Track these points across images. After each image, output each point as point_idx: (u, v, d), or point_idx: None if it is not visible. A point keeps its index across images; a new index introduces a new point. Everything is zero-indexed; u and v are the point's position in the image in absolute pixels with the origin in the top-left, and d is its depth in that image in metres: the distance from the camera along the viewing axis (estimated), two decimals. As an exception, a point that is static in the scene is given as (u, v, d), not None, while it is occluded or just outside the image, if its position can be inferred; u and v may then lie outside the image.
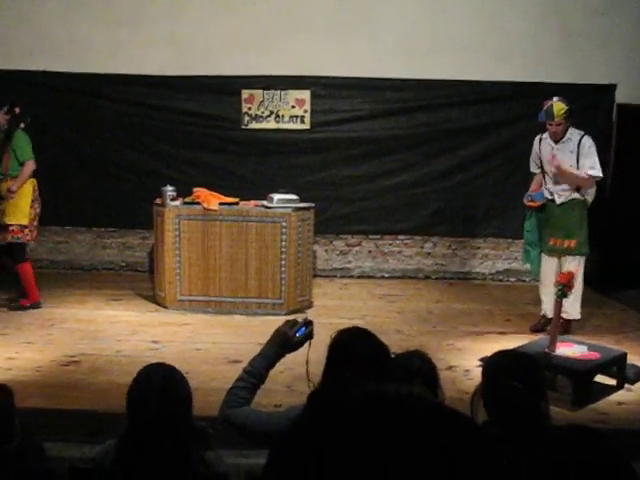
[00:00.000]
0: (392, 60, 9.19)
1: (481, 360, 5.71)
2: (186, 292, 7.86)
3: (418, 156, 9.41)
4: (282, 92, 9.38)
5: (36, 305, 7.77)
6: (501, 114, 9.31)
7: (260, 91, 9.38)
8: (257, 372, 3.14)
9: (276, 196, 7.85)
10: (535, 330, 7.27)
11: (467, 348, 6.78)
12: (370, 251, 9.70)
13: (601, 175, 7.09)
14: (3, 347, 6.63)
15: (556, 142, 7.08)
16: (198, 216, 7.80)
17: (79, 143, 9.35)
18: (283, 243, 7.69)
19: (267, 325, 7.23)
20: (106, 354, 6.54)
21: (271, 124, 9.44)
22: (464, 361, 6.36)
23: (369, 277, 9.65)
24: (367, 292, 8.94)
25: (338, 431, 0.99)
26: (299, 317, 3.29)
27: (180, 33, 9.31)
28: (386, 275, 9.67)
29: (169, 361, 3.31)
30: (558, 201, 7.14)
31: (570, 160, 7.05)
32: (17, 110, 7.59)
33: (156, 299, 8.15)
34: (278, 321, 7.42)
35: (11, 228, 7.58)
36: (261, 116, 9.41)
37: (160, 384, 2.86)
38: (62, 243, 9.69)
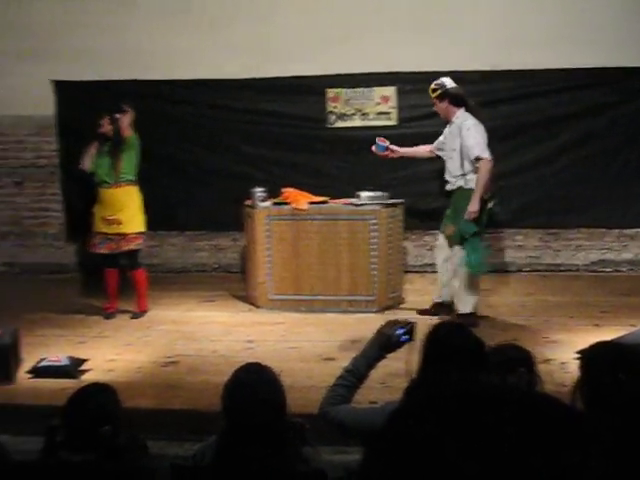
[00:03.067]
0: (477, 52, 9.08)
1: (579, 353, 5.61)
2: (278, 291, 7.95)
3: (507, 148, 9.28)
4: (367, 89, 9.38)
5: (144, 313, 7.94)
6: (594, 101, 9.12)
7: (345, 89, 9.40)
8: (357, 371, 3.17)
9: (364, 193, 7.86)
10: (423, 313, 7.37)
11: (563, 341, 6.67)
12: (460, 245, 9.62)
13: (483, 155, 7.01)
14: (104, 349, 6.83)
15: (447, 125, 7.32)
16: (288, 216, 7.88)
17: (169, 149, 9.53)
18: (373, 240, 7.70)
19: (359, 322, 7.36)
20: (202, 354, 6.66)
21: (357, 122, 9.46)
22: (560, 354, 6.26)
23: (460, 272, 9.55)
24: (458, 287, 8.86)
25: (436, 423, 1.00)
26: (398, 316, 3.31)
27: (263, 35, 9.40)
28: (477, 269, 9.56)
29: (263, 360, 3.37)
30: (447, 187, 7.34)
31: (454, 144, 7.13)
32: (118, 116, 7.72)
33: (248, 299, 8.26)
34: (370, 318, 7.50)
35: (131, 236, 7.75)
36: (346, 114, 9.44)
37: (254, 383, 2.91)
38: (155, 247, 9.89)
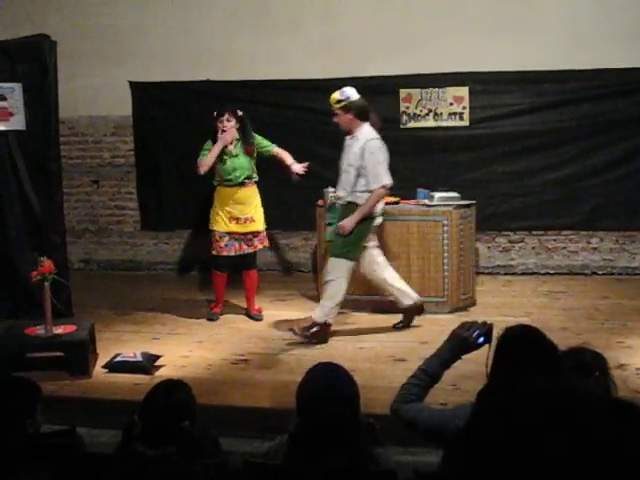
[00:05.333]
0: (552, 51, 8.95)
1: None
2: (349, 291, 7.94)
3: (581, 149, 9.15)
4: (440, 90, 9.34)
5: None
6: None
7: (418, 90, 9.37)
8: (431, 371, 3.17)
9: (437, 194, 7.84)
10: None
11: (638, 346, 6.55)
12: (534, 247, 9.51)
13: (387, 183, 6.92)
14: (177, 346, 6.94)
15: (348, 135, 7.03)
16: (359, 216, 7.88)
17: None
18: (445, 241, 7.67)
19: (430, 324, 7.34)
20: (273, 353, 6.73)
21: (429, 122, 9.42)
22: (635, 359, 6.16)
23: (533, 274, 9.45)
24: (531, 289, 8.77)
25: (511, 426, 1.00)
26: (472, 318, 3.29)
27: (338, 36, 9.43)
28: (551, 272, 9.45)
29: (334, 359, 3.39)
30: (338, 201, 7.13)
31: (353, 159, 6.87)
32: (240, 113, 7.76)
33: (320, 298, 8.27)
34: (441, 320, 7.45)
35: (263, 235, 7.83)
36: (419, 115, 9.40)
37: (329, 382, 2.92)
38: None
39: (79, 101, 9.80)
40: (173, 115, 9.86)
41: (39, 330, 6.41)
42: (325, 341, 6.96)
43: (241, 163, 7.69)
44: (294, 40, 9.51)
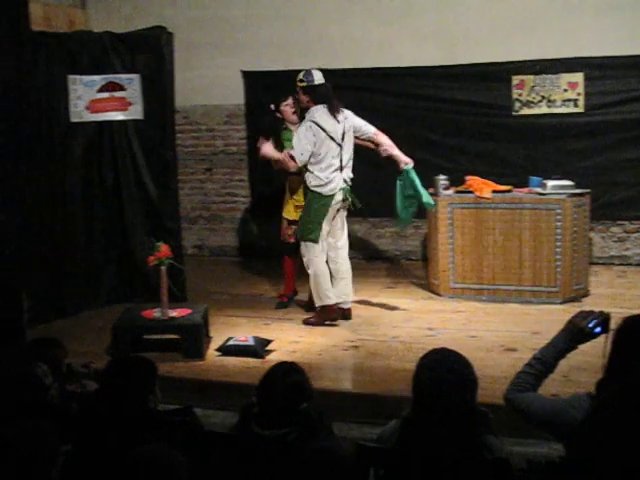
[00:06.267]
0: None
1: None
2: (459, 280, 7.92)
3: None
4: (554, 76, 9.15)
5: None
6: None
7: (531, 76, 9.20)
8: (546, 361, 3.14)
9: (550, 182, 7.71)
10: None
11: None
12: (650, 237, 9.26)
13: (298, 159, 6.94)
14: (288, 331, 7.05)
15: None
16: (471, 204, 7.83)
17: (353, 136, 9.64)
18: (558, 230, 7.54)
19: (541, 313, 7.24)
20: (383, 340, 6.75)
21: (543, 109, 9.25)
22: None
23: (649, 264, 9.20)
24: (646, 280, 8.55)
25: (631, 418, 1.00)
26: (587, 308, 3.23)
27: (448, 23, 9.36)
28: (668, 262, 9.18)
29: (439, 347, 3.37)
30: None
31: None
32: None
33: (430, 287, 8.27)
34: (553, 310, 7.33)
35: None
36: (532, 102, 9.24)
37: (451, 367, 2.92)
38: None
39: (194, 91, 10.02)
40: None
41: (155, 313, 6.60)
42: (334, 320, 7.13)
43: None
44: (405, 27, 9.48)
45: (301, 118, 7.35)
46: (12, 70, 6.71)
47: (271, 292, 8.37)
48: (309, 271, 7.16)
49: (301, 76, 7.12)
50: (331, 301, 7.15)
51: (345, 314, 7.34)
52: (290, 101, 7.61)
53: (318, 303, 7.17)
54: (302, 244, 7.18)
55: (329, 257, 7.28)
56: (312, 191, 7.10)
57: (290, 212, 7.69)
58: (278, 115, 7.70)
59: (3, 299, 6.28)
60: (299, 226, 7.24)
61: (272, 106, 7.74)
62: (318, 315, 7.18)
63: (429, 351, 3.07)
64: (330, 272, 7.26)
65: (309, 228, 7.09)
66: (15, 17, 6.86)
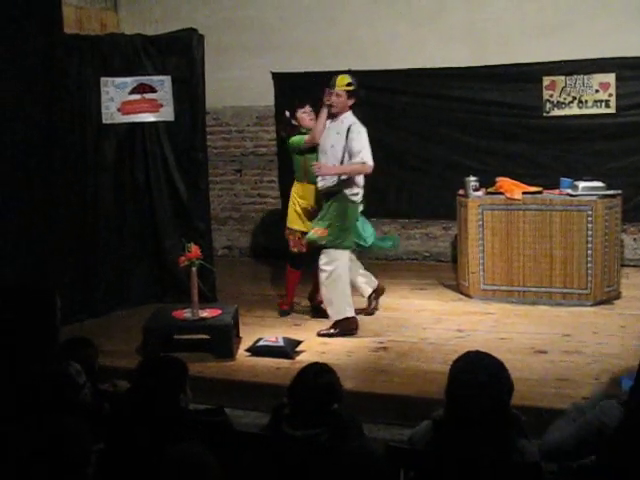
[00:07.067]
0: None
1: None
2: (489, 281, 7.90)
3: None
4: (585, 77, 9.09)
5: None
6: None
7: (562, 77, 9.15)
8: None
9: (581, 184, 7.66)
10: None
11: None
12: (683, 239, 9.17)
13: (370, 163, 6.76)
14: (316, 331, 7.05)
15: (331, 119, 6.94)
16: (501, 206, 7.80)
17: (384, 137, 9.58)
18: (589, 232, 7.49)
19: (573, 316, 7.21)
20: (412, 341, 6.75)
21: (574, 110, 9.18)
22: None
23: (681, 267, 9.11)
24: (680, 283, 8.47)
25: None
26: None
27: (479, 24, 9.33)
28: (701, 265, 9.09)
29: (473, 349, 3.37)
30: (319, 185, 6.99)
31: (335, 141, 6.85)
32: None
33: (459, 288, 8.25)
34: (584, 312, 7.30)
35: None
36: (563, 102, 9.19)
37: (488, 370, 2.92)
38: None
39: (224, 92, 10.06)
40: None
41: (186, 313, 6.65)
42: (354, 332, 6.97)
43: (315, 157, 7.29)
44: (435, 28, 9.47)
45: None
46: (45, 73, 6.79)
47: (300, 293, 8.37)
48: (328, 280, 6.93)
49: (349, 79, 7.00)
50: (351, 313, 7.02)
51: (380, 290, 7.59)
52: (307, 108, 7.51)
53: (336, 317, 6.98)
54: (328, 253, 6.92)
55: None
56: (349, 200, 6.93)
57: (300, 224, 7.45)
58: (293, 122, 7.58)
59: (36, 298, 6.34)
60: (329, 235, 6.87)
61: (287, 113, 7.70)
62: (336, 327, 6.97)
63: (463, 354, 3.06)
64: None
65: (344, 236, 6.93)
66: (48, 20, 6.95)
